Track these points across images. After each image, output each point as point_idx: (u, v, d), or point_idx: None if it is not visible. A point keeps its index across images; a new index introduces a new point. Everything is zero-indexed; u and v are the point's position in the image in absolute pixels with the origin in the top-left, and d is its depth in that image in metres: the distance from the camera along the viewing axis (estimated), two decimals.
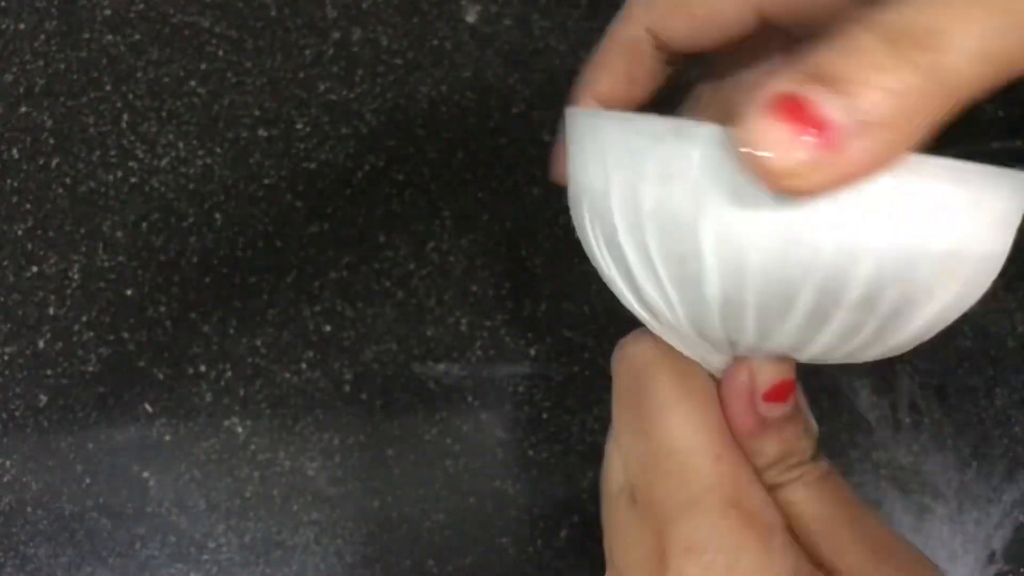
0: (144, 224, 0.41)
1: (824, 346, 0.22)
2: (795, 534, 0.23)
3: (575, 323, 0.41)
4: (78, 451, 0.38)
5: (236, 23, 0.44)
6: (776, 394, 0.23)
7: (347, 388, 0.39)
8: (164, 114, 0.43)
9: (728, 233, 0.20)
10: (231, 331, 0.40)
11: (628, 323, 0.25)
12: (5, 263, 0.41)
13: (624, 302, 0.24)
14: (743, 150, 0.17)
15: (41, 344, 0.40)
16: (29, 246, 0.41)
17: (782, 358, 0.23)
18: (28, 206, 0.41)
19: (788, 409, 0.23)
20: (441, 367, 0.39)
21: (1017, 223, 0.23)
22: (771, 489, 0.23)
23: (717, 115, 0.29)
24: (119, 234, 0.41)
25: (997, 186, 0.22)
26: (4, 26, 0.44)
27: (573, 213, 0.24)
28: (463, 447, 0.39)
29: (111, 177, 0.42)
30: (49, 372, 0.39)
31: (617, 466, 0.24)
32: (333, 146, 0.42)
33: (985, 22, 0.18)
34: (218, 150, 0.42)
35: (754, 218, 0.20)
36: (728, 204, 0.20)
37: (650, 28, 0.26)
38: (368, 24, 0.44)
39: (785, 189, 0.17)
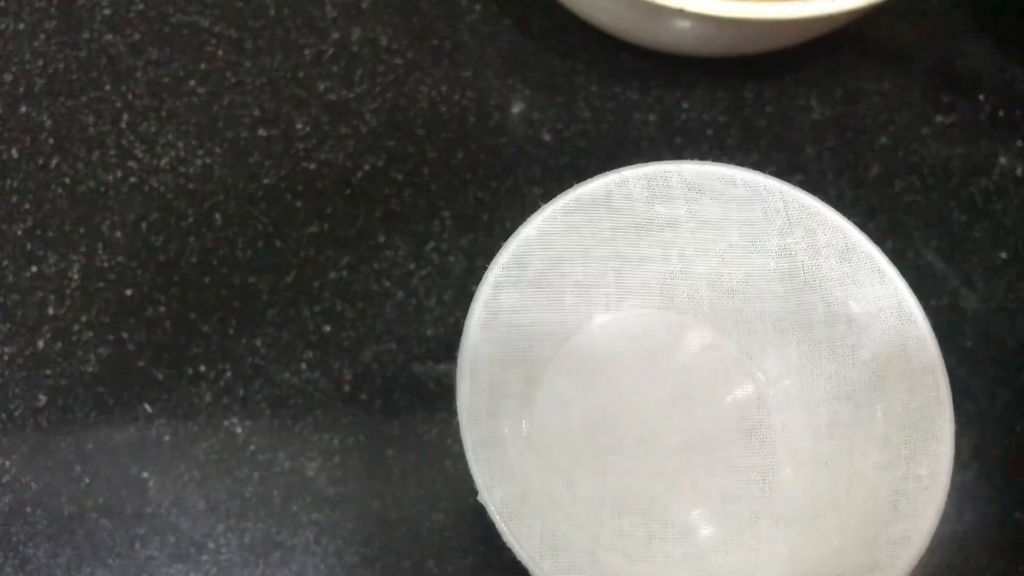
0: (144, 224, 0.41)
1: None
2: None
3: None
4: (77, 451, 0.38)
5: (236, 23, 0.44)
6: None
7: (347, 388, 0.39)
8: (164, 114, 0.43)
9: None
10: (231, 331, 0.40)
11: None
12: (4, 263, 0.40)
13: None
14: None
15: (40, 344, 0.39)
16: (28, 246, 0.41)
17: None
18: (27, 206, 0.41)
19: None
20: (441, 367, 0.39)
21: None
22: None
23: None
24: (119, 234, 0.41)
25: None
26: (4, 26, 0.44)
27: None
28: (463, 447, 0.38)
29: (111, 177, 0.42)
30: (48, 372, 0.39)
31: None
32: (333, 146, 0.42)
33: None
34: (218, 150, 0.42)
35: None
36: None
37: None
38: (368, 24, 0.44)
39: None
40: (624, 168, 0.26)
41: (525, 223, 0.26)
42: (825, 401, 0.26)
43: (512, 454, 0.25)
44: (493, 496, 0.23)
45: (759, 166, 0.41)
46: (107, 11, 0.44)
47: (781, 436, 0.26)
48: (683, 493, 0.25)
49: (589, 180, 0.26)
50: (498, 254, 0.25)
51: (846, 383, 0.26)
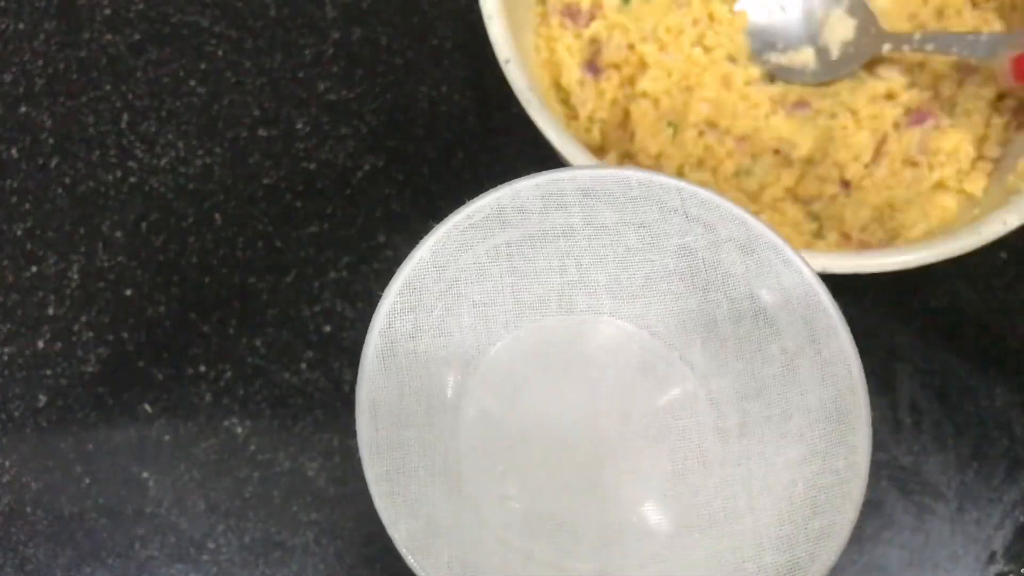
0: (144, 224, 0.41)
1: None
2: None
3: None
4: (77, 451, 0.38)
5: (236, 23, 0.44)
6: None
7: (347, 388, 0.39)
8: (164, 114, 0.43)
9: None
10: (231, 331, 0.40)
11: None
12: (5, 263, 0.40)
13: None
14: None
15: (40, 344, 0.39)
16: (28, 246, 0.41)
17: None
18: (28, 206, 0.41)
19: None
20: None
21: None
22: None
23: None
24: (118, 234, 0.41)
25: None
26: (4, 26, 0.44)
27: None
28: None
29: (110, 177, 0.42)
30: (48, 372, 0.39)
31: None
32: (333, 146, 0.42)
33: None
34: (218, 150, 0.42)
35: None
36: None
37: None
38: (368, 24, 0.44)
39: None
40: (517, 180, 0.26)
41: (418, 246, 0.25)
42: (734, 400, 0.25)
43: (418, 485, 0.24)
44: (399, 529, 0.23)
45: None
46: (107, 11, 0.44)
47: (690, 440, 0.25)
48: (592, 508, 0.25)
49: (481, 196, 0.25)
50: (391, 280, 0.25)
51: (755, 380, 0.25)
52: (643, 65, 0.38)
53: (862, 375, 0.24)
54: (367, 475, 0.23)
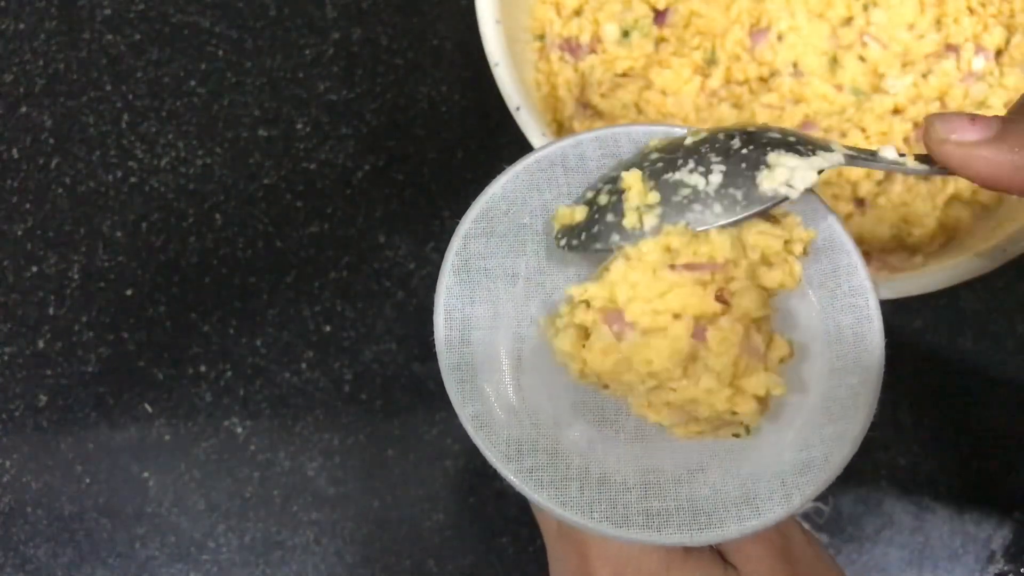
0: (144, 224, 0.41)
1: None
2: None
3: None
4: (78, 451, 0.38)
5: (236, 23, 0.44)
6: None
7: (347, 388, 0.39)
8: (164, 114, 0.43)
9: None
10: (231, 331, 0.40)
11: None
12: (5, 263, 0.41)
13: None
14: None
15: (41, 344, 0.40)
16: (29, 246, 0.41)
17: None
18: (28, 206, 0.41)
19: None
20: None
21: None
22: None
23: None
24: (119, 234, 0.41)
25: None
26: (4, 26, 0.44)
27: None
28: (463, 447, 0.39)
29: (111, 177, 0.42)
30: (49, 372, 0.39)
31: None
32: (333, 146, 0.42)
33: None
34: (218, 150, 0.42)
35: None
36: None
37: None
38: (368, 24, 0.44)
39: None
40: (579, 133, 0.30)
41: (492, 183, 0.29)
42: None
43: (481, 376, 0.28)
44: (465, 410, 0.27)
45: None
46: (107, 11, 0.44)
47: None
48: (632, 421, 0.29)
49: (547, 144, 0.29)
50: (468, 210, 0.29)
51: (784, 309, 0.29)
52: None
53: (877, 305, 0.28)
54: (441, 364, 0.27)
